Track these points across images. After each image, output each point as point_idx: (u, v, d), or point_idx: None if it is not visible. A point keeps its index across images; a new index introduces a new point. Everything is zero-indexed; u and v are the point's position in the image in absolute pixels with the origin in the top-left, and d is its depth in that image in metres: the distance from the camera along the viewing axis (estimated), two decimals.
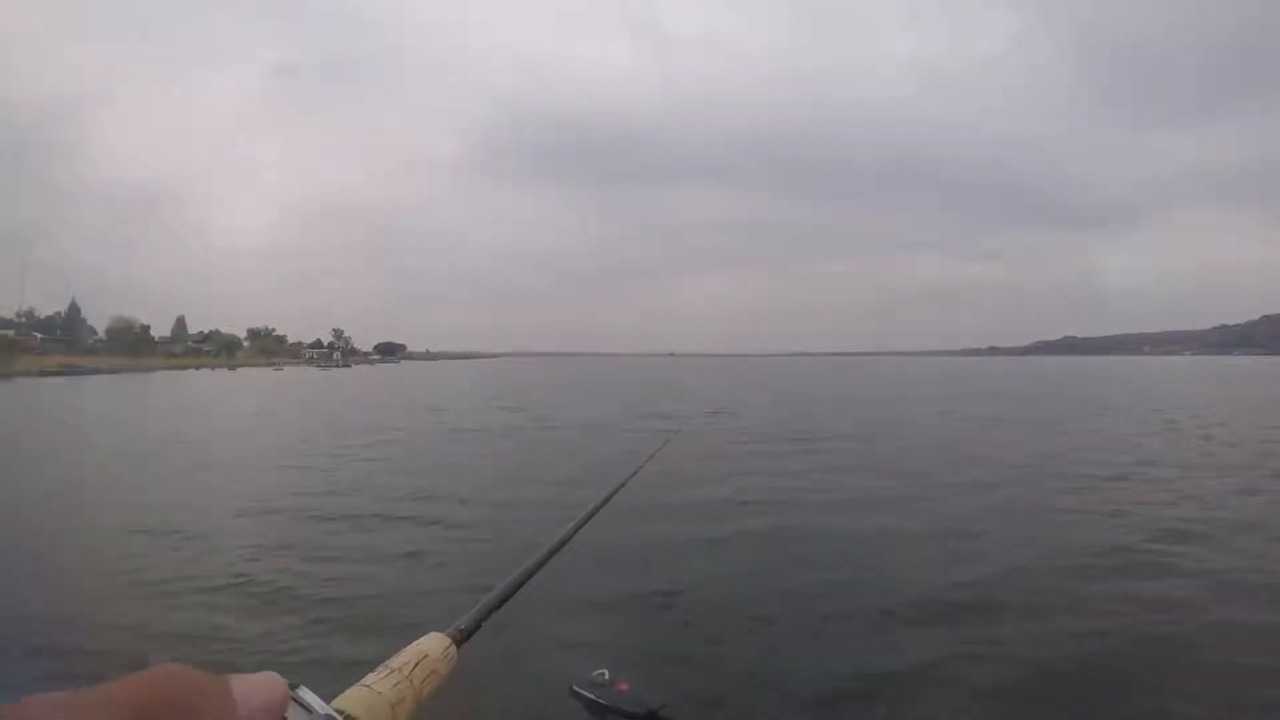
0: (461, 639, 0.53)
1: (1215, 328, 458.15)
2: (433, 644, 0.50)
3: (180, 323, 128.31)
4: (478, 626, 0.56)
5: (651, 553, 5.64)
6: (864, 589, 4.83)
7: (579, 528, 0.82)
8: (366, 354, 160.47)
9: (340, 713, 0.36)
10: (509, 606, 0.61)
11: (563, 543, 0.75)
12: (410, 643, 0.50)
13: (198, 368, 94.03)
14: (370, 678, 0.44)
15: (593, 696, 0.70)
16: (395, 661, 0.47)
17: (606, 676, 0.71)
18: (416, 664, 0.47)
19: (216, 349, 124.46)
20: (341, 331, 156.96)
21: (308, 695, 0.33)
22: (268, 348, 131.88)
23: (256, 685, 0.30)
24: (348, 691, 0.41)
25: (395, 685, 0.44)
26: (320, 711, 0.32)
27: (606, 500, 0.95)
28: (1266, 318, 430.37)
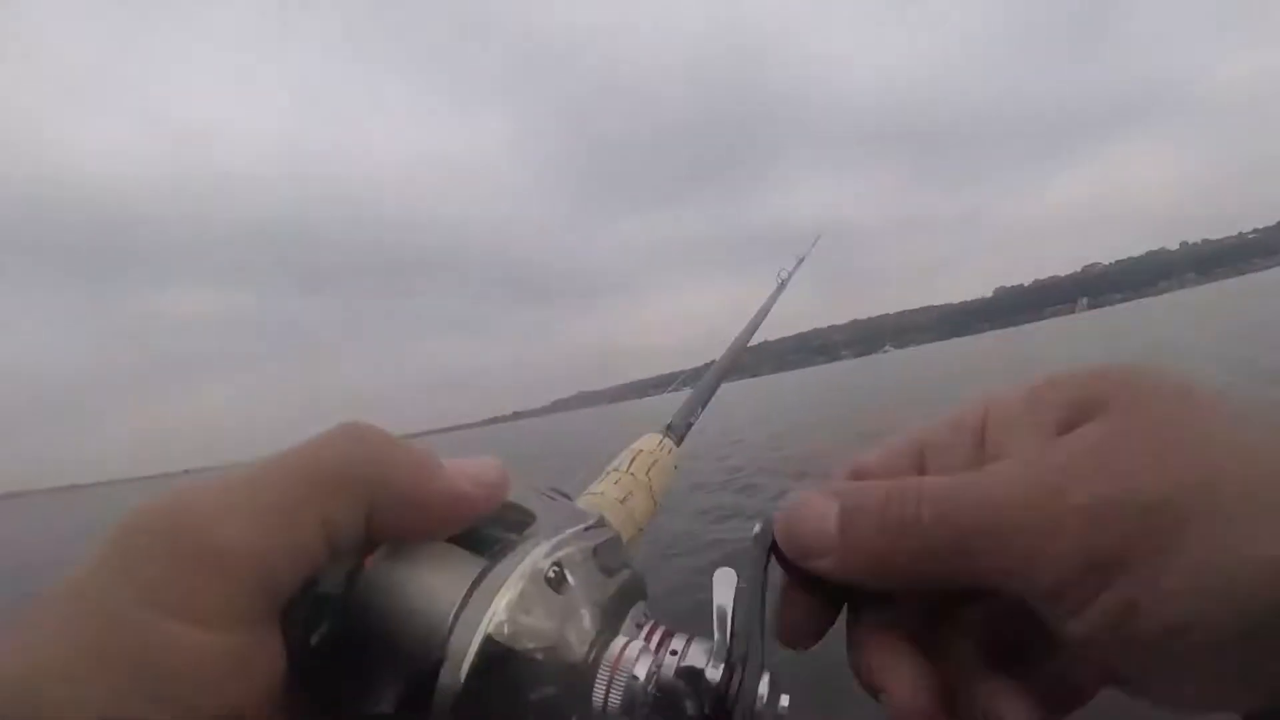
0: (679, 437, 0.53)
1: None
2: (648, 442, 0.50)
3: None
4: (689, 425, 0.56)
5: None
6: None
7: (751, 333, 0.86)
8: None
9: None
10: (714, 404, 0.60)
11: (743, 345, 0.79)
12: (626, 447, 0.50)
13: None
14: (594, 485, 0.44)
15: None
16: (614, 464, 0.47)
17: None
18: (634, 459, 0.47)
19: None
20: None
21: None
22: None
23: (470, 467, 0.25)
24: (576, 501, 0.40)
25: (617, 481, 0.44)
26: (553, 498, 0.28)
27: (798, 266, 1.03)
28: (749, 348, 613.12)
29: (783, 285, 1.13)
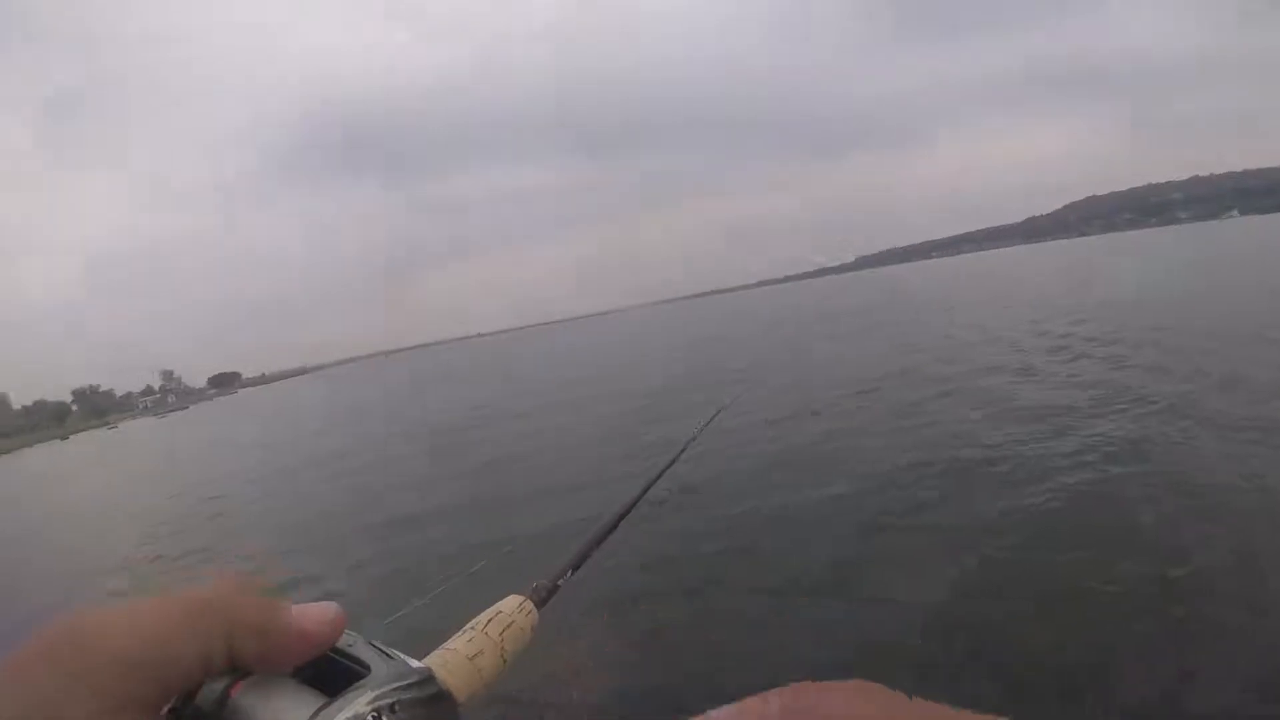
0: (540, 600, 0.56)
1: (1027, 219, 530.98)
2: (509, 604, 0.53)
3: (3, 402, 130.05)
4: (555, 588, 0.58)
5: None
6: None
7: (647, 489, 0.84)
8: (202, 390, 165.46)
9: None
10: (585, 569, 0.62)
11: (633, 505, 0.78)
12: (489, 606, 0.52)
13: (30, 445, 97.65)
14: (447, 642, 0.47)
15: None
16: (473, 622, 0.50)
17: None
18: (491, 620, 0.50)
19: (45, 421, 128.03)
20: (171, 372, 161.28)
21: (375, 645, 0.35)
22: (98, 406, 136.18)
23: (312, 609, 0.33)
24: (428, 656, 0.44)
25: (471, 640, 0.47)
26: (382, 651, 0.35)
27: (673, 461, 1.02)
28: (1071, 205, 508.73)
29: (686, 446, 1.15)
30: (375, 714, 0.31)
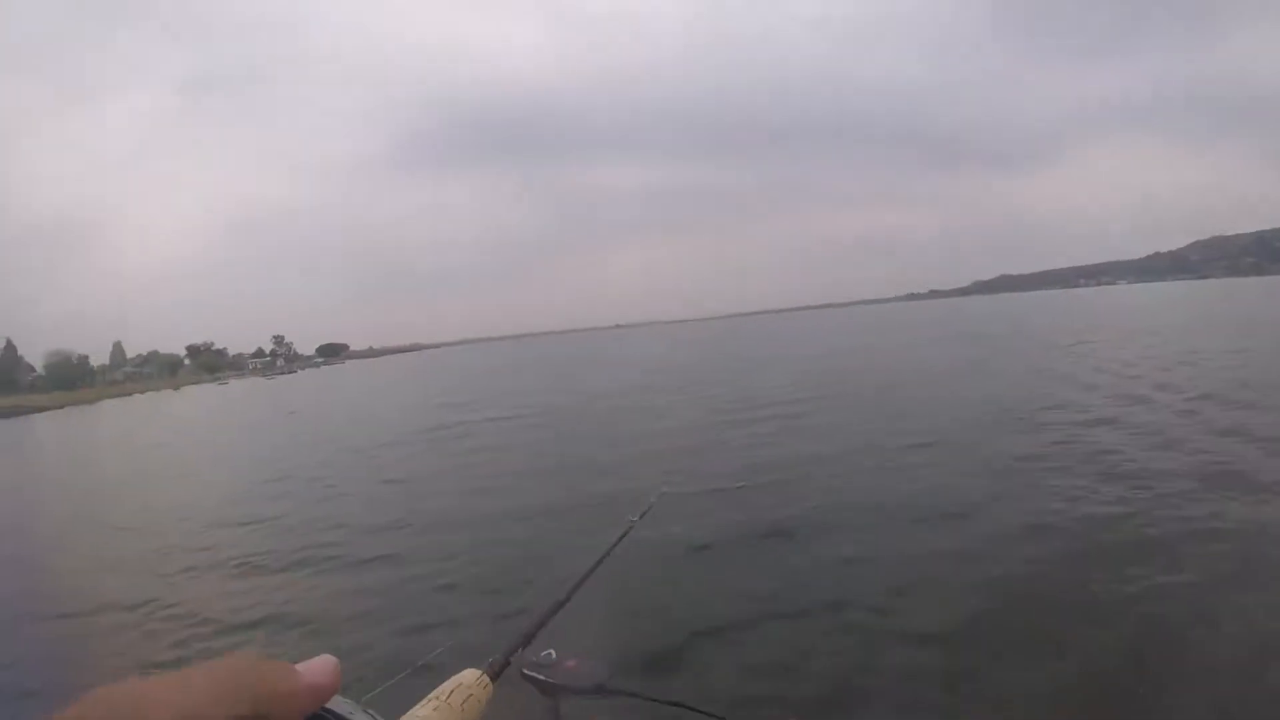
0: (495, 673, 0.59)
1: (1149, 255, 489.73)
2: (468, 676, 0.57)
3: (118, 349, 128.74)
4: (507, 663, 0.62)
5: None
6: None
7: (598, 564, 0.85)
8: (310, 357, 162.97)
9: None
10: (535, 643, 0.65)
11: (581, 582, 0.79)
12: (449, 678, 0.55)
13: (142, 392, 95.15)
14: (414, 709, 0.50)
15: (542, 677, 0.71)
16: (435, 693, 0.53)
17: (554, 656, 0.72)
18: (453, 691, 0.54)
19: (158, 371, 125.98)
20: (282, 338, 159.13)
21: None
22: (209, 363, 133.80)
23: (315, 664, 0.36)
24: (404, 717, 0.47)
25: (436, 709, 0.51)
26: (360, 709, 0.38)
27: (622, 537, 1.02)
28: (1196, 243, 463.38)
29: (627, 532, 1.13)
30: None
